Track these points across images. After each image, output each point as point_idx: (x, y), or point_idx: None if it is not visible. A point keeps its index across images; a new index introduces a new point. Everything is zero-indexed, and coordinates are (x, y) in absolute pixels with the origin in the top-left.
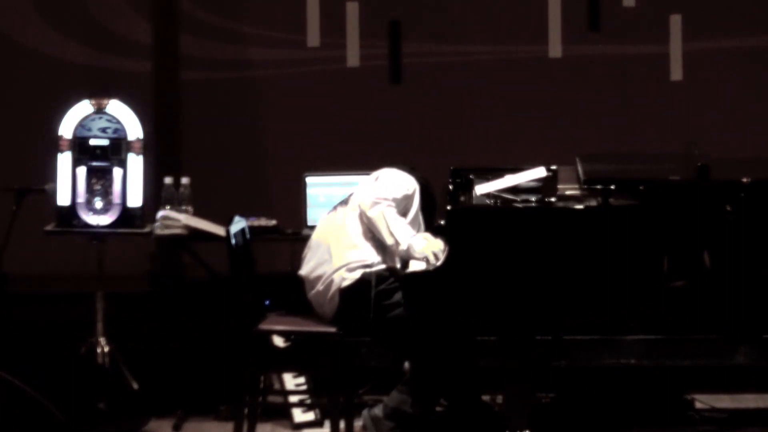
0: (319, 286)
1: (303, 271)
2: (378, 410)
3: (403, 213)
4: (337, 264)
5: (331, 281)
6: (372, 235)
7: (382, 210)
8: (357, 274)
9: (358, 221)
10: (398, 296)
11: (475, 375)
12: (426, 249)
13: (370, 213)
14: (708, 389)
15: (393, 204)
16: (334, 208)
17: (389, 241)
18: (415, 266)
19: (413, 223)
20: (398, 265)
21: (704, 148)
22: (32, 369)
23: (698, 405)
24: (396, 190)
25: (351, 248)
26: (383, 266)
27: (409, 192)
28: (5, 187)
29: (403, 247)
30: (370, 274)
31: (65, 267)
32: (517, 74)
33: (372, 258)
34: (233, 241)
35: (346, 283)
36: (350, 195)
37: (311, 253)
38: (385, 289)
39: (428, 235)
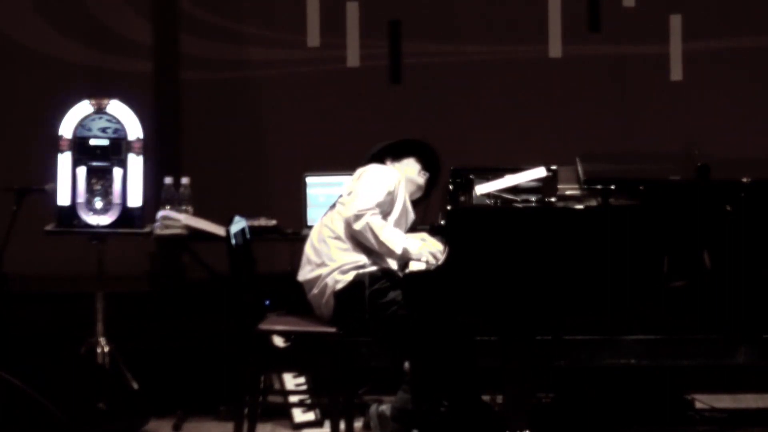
0: (315, 290)
1: (300, 277)
2: (386, 409)
3: (389, 210)
4: (330, 267)
5: (326, 284)
6: None
7: (367, 221)
8: (350, 276)
9: (346, 224)
10: (392, 295)
11: (474, 375)
12: (422, 250)
13: (355, 227)
14: (708, 389)
15: (377, 210)
16: (326, 213)
17: (381, 250)
18: (415, 266)
19: (401, 218)
20: (394, 266)
21: (704, 148)
22: (32, 369)
23: (698, 405)
24: (377, 192)
25: (342, 251)
26: (375, 267)
27: (392, 188)
28: (5, 187)
29: (397, 252)
30: (363, 275)
31: (65, 267)
32: (517, 74)
33: (363, 259)
34: (233, 241)
35: (339, 286)
36: (339, 197)
37: (305, 258)
38: (378, 288)
39: (425, 235)
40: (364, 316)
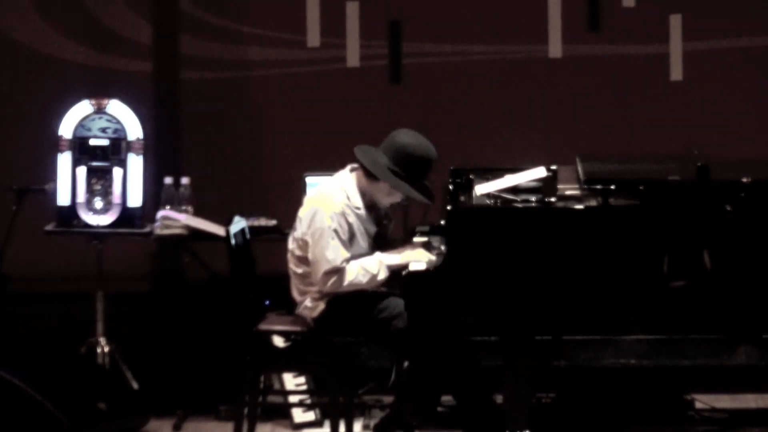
0: (299, 309)
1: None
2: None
3: (351, 235)
4: (303, 292)
5: (303, 310)
6: None
7: (341, 285)
8: (322, 304)
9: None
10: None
11: (480, 375)
12: (404, 258)
13: (329, 289)
14: (708, 389)
15: (340, 271)
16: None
17: (371, 287)
18: (415, 266)
19: (357, 240)
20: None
21: (704, 148)
22: (32, 369)
23: (698, 405)
24: (331, 247)
25: (310, 284)
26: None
27: (338, 224)
28: (5, 187)
29: (384, 277)
30: (336, 298)
31: (65, 267)
32: (517, 74)
33: None
34: (233, 241)
35: (315, 313)
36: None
37: (290, 272)
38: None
39: (421, 241)
40: (346, 334)
